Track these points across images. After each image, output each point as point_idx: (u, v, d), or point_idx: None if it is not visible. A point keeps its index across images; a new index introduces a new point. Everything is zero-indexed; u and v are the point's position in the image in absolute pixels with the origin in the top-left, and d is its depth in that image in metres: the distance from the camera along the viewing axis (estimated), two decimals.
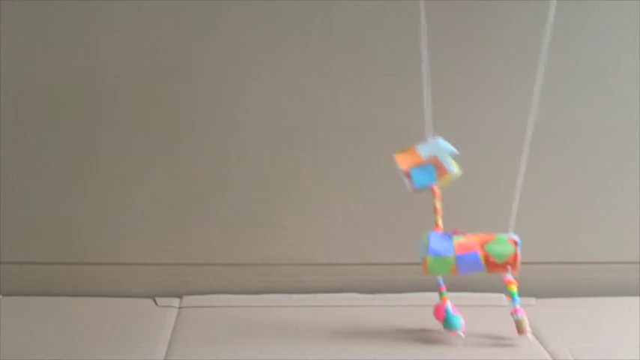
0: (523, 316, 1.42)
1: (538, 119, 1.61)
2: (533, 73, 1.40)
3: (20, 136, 1.58)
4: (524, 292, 1.61)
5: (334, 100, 1.57)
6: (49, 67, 1.56)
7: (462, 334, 1.42)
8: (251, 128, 1.59)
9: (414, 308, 1.52)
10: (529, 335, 1.41)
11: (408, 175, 1.40)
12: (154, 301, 1.58)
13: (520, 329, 1.41)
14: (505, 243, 1.42)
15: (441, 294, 1.43)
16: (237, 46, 1.56)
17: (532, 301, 1.60)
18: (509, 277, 1.43)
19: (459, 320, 1.42)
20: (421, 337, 1.43)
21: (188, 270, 1.59)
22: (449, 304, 1.42)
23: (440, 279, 1.42)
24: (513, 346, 1.40)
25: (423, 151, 1.41)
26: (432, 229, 1.41)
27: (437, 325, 1.47)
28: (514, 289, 1.43)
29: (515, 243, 1.42)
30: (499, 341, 1.42)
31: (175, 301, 1.59)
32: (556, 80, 1.61)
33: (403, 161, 1.41)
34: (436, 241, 1.40)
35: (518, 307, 1.42)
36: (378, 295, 1.58)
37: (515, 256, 1.42)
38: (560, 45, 1.60)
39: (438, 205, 1.42)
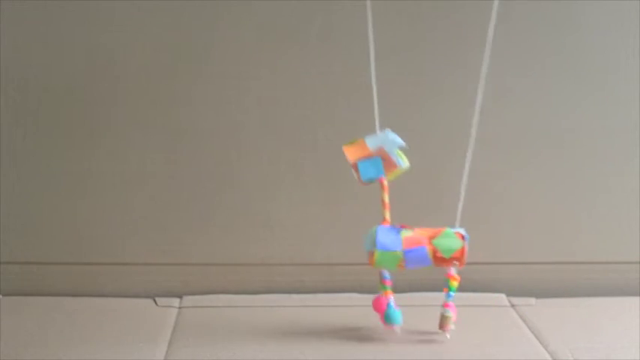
0: (451, 313, 1.42)
1: (537, 119, 1.62)
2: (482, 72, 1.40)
3: (20, 135, 1.58)
4: (524, 292, 1.61)
5: (334, 100, 1.57)
6: (49, 66, 1.56)
7: (398, 330, 1.42)
8: (251, 128, 1.59)
9: (414, 308, 1.52)
10: (448, 335, 1.42)
11: (355, 167, 1.39)
12: (154, 301, 1.58)
13: (442, 324, 1.42)
14: (453, 237, 1.41)
15: (384, 287, 1.42)
16: (236, 45, 1.56)
17: (532, 300, 1.60)
18: (453, 272, 1.43)
19: (399, 315, 1.41)
20: (421, 336, 1.43)
21: (188, 270, 1.59)
22: (391, 299, 1.42)
23: (386, 273, 1.41)
24: (513, 345, 1.41)
25: (371, 143, 1.40)
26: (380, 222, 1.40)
27: (435, 323, 1.48)
28: (455, 284, 1.43)
29: (463, 237, 1.41)
30: (499, 341, 1.42)
31: (175, 301, 1.59)
32: (556, 80, 1.61)
33: (351, 153, 1.39)
34: (384, 235, 1.38)
35: (450, 302, 1.42)
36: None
37: (463, 250, 1.40)
38: (560, 45, 1.60)
39: (386, 198, 1.40)
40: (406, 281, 1.56)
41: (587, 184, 1.64)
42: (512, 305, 1.58)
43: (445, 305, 1.43)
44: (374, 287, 1.47)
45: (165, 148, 1.59)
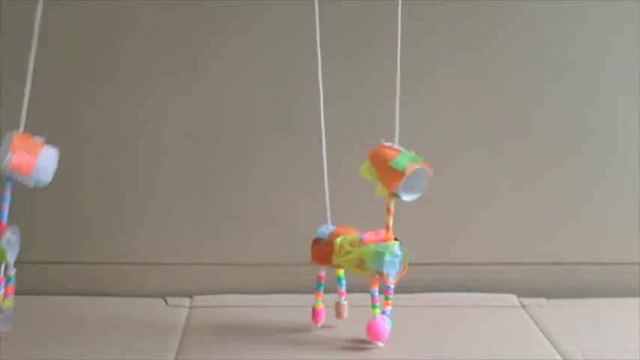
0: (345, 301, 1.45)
1: (545, 120, 1.62)
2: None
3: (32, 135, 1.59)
4: (534, 293, 1.61)
5: (347, 102, 1.58)
6: (49, 63, 1.57)
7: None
8: (262, 129, 1.59)
9: (421, 309, 1.52)
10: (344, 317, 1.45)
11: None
12: (165, 300, 1.58)
13: (339, 312, 1.45)
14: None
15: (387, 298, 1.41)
16: (242, 45, 1.57)
17: (542, 301, 1.60)
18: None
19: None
20: (428, 336, 1.43)
21: (199, 270, 1.60)
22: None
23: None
24: (524, 346, 1.40)
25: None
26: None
27: (445, 324, 1.48)
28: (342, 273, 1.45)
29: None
30: (510, 341, 1.42)
31: (186, 301, 1.59)
32: (558, 80, 1.61)
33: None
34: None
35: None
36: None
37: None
38: (562, 45, 1.60)
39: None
40: (415, 282, 1.57)
41: (598, 184, 1.64)
42: (523, 306, 1.58)
43: (340, 294, 1.46)
44: (382, 288, 1.48)
45: (175, 148, 1.59)
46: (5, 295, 1.41)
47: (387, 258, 1.34)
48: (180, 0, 1.56)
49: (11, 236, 1.39)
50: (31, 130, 1.37)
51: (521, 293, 1.62)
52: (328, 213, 1.43)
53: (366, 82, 1.59)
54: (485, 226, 1.64)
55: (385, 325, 1.38)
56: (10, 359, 1.34)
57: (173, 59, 1.58)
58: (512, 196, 1.64)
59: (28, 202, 1.60)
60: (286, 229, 1.61)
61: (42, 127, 1.58)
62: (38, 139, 1.38)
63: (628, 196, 1.63)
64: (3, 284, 1.40)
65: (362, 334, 1.42)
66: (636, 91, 1.61)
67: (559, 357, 1.37)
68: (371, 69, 1.58)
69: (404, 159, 1.35)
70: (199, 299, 1.58)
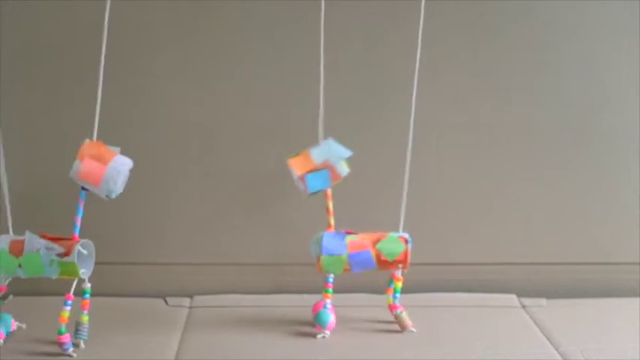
0: (403, 311, 1.45)
1: (546, 120, 1.62)
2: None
3: (30, 135, 1.59)
4: (534, 293, 1.61)
5: (345, 101, 1.58)
6: (52, 63, 1.57)
7: (327, 333, 1.43)
8: (262, 129, 1.59)
9: (423, 309, 1.52)
10: (413, 329, 1.44)
11: (302, 180, 1.41)
12: (165, 300, 1.58)
13: (402, 325, 1.45)
14: (396, 241, 1.44)
15: (326, 291, 1.44)
16: (242, 48, 1.57)
17: (543, 301, 1.60)
18: (397, 274, 1.46)
19: (329, 319, 1.43)
20: (429, 336, 1.43)
21: (199, 270, 1.60)
22: (328, 302, 1.43)
23: (331, 277, 1.43)
24: (524, 346, 1.40)
25: (317, 156, 1.41)
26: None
27: (445, 324, 1.48)
28: (400, 285, 1.47)
29: (406, 241, 1.43)
30: (510, 342, 1.42)
31: (186, 301, 1.59)
32: (556, 80, 1.61)
33: (297, 167, 1.41)
34: (329, 240, 1.42)
35: (397, 304, 1.46)
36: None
37: (406, 253, 1.43)
38: (564, 45, 1.60)
39: (330, 205, 1.43)
40: (415, 282, 1.57)
41: (599, 184, 1.64)
42: (523, 306, 1.58)
43: (394, 307, 1.46)
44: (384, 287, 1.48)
45: (176, 148, 1.59)
46: (81, 309, 1.39)
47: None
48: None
49: (82, 250, 1.36)
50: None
51: (521, 293, 1.62)
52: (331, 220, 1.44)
53: (367, 82, 1.59)
54: (485, 226, 1.64)
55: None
56: (10, 359, 1.34)
57: (174, 59, 1.58)
58: (513, 196, 1.64)
59: (27, 201, 1.60)
60: (286, 229, 1.61)
61: (44, 126, 1.59)
62: (113, 148, 1.36)
63: (628, 197, 1.63)
64: (70, 301, 1.37)
65: (362, 335, 1.42)
66: (637, 92, 1.61)
67: (559, 357, 1.37)
68: (371, 69, 1.58)
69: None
70: (199, 299, 1.58)
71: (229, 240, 1.58)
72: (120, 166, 1.34)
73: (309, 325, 1.46)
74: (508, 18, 1.59)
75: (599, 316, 1.54)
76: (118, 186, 1.35)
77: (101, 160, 1.34)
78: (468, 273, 1.63)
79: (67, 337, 1.37)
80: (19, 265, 1.37)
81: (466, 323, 1.49)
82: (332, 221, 1.43)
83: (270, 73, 1.58)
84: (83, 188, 1.36)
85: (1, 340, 1.38)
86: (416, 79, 1.43)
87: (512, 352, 1.37)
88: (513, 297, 1.61)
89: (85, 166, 1.33)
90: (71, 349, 1.37)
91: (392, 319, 1.46)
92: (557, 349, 1.39)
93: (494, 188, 1.63)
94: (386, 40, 1.57)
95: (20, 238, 1.38)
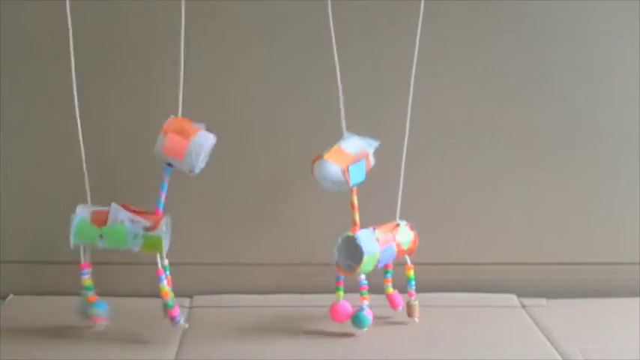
0: (416, 299, 1.47)
1: (545, 120, 1.62)
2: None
3: (33, 135, 1.59)
4: (534, 293, 1.61)
5: (348, 103, 1.58)
6: (51, 64, 1.57)
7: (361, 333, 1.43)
8: (262, 128, 1.59)
9: (424, 309, 1.52)
10: (416, 319, 1.46)
11: (347, 172, 1.36)
12: None
13: (411, 312, 1.47)
14: (406, 230, 1.46)
15: (339, 290, 1.43)
16: (242, 47, 1.56)
17: (543, 301, 1.60)
18: (408, 261, 1.47)
19: (368, 320, 1.42)
20: (430, 336, 1.43)
21: (199, 270, 1.60)
22: (366, 303, 1.42)
23: (364, 278, 1.42)
24: (524, 346, 1.40)
25: (351, 148, 1.38)
26: (351, 227, 1.40)
27: (445, 324, 1.48)
28: (412, 273, 1.47)
29: (412, 228, 1.46)
30: (509, 342, 1.42)
31: (186, 301, 1.59)
32: (556, 80, 1.61)
33: (338, 160, 1.36)
34: (365, 239, 1.39)
35: (413, 291, 1.47)
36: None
37: (415, 241, 1.46)
38: (564, 44, 1.60)
39: (355, 201, 1.40)
40: (415, 282, 1.57)
41: (599, 184, 1.64)
42: (523, 306, 1.58)
43: (410, 294, 1.47)
44: (405, 277, 1.48)
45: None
46: (167, 285, 1.40)
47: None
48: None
49: (166, 224, 1.38)
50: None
51: (521, 293, 1.62)
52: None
53: (366, 82, 1.59)
54: (485, 226, 1.64)
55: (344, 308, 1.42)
56: (10, 359, 1.34)
57: (173, 59, 1.58)
58: (513, 196, 1.64)
59: (27, 202, 1.61)
60: (287, 229, 1.61)
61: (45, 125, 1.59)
62: (197, 125, 1.38)
63: (628, 196, 1.64)
64: (163, 275, 1.39)
65: (361, 335, 1.42)
66: (637, 92, 1.61)
67: (559, 357, 1.37)
68: (370, 70, 1.58)
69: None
70: (199, 299, 1.58)
71: (229, 240, 1.58)
72: (203, 141, 1.37)
73: (309, 326, 1.46)
74: (508, 18, 1.59)
75: (599, 316, 1.54)
76: (200, 161, 1.37)
77: (184, 134, 1.36)
78: (468, 273, 1.63)
79: (176, 310, 1.38)
80: (100, 236, 1.38)
81: (466, 323, 1.49)
82: (357, 218, 1.40)
83: (274, 72, 1.58)
84: (168, 164, 1.38)
85: (103, 322, 1.41)
86: (412, 78, 1.43)
87: (512, 352, 1.37)
88: (513, 297, 1.61)
89: (168, 140, 1.36)
90: (182, 321, 1.39)
91: (391, 317, 1.47)
92: (557, 349, 1.39)
93: (494, 188, 1.63)
94: (385, 40, 1.57)
95: (102, 208, 1.38)
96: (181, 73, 1.39)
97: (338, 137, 1.42)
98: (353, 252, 1.38)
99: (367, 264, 1.39)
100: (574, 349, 1.39)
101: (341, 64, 1.54)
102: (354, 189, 1.40)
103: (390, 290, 1.49)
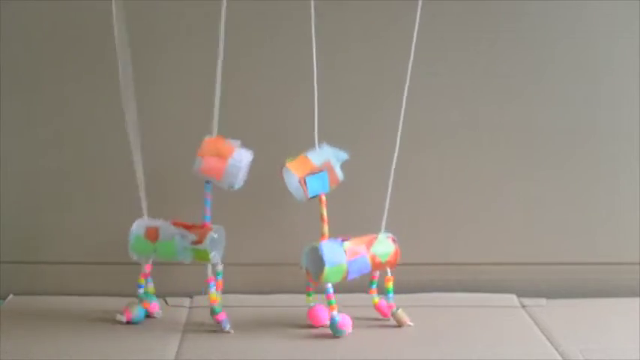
0: (397, 308, 1.46)
1: (545, 121, 1.62)
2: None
3: (33, 135, 1.59)
4: (534, 293, 1.61)
5: (340, 102, 1.58)
6: (51, 64, 1.57)
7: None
8: (258, 129, 1.59)
9: (423, 309, 1.52)
10: (410, 323, 1.46)
11: (303, 182, 1.39)
12: (165, 300, 1.58)
13: (400, 321, 1.46)
14: (386, 242, 1.46)
15: (330, 302, 1.41)
16: (239, 47, 1.56)
17: (543, 301, 1.60)
18: (389, 274, 1.47)
19: (344, 332, 1.42)
20: (430, 336, 1.43)
21: (200, 270, 1.59)
22: (335, 313, 1.41)
23: (331, 287, 1.41)
24: (524, 346, 1.40)
25: (315, 158, 1.40)
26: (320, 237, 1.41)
27: (445, 324, 1.48)
28: (391, 285, 1.48)
29: (394, 240, 1.46)
30: (510, 342, 1.42)
31: (186, 301, 1.59)
32: (556, 80, 1.61)
33: (297, 169, 1.39)
34: (329, 250, 1.40)
35: (391, 302, 1.47)
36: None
37: (396, 253, 1.46)
38: (564, 44, 1.60)
39: (324, 213, 1.42)
40: (415, 282, 1.57)
41: (599, 184, 1.64)
42: (523, 306, 1.58)
43: (389, 306, 1.47)
44: (384, 288, 1.48)
45: (177, 149, 1.59)
46: (217, 290, 1.45)
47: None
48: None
49: (214, 235, 1.42)
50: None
51: (521, 293, 1.62)
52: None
53: (364, 82, 1.59)
54: (485, 226, 1.64)
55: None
56: (10, 359, 1.34)
57: (176, 60, 1.58)
58: (513, 196, 1.64)
59: (28, 203, 1.60)
60: (286, 230, 1.61)
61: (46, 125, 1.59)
62: (232, 142, 1.41)
63: (628, 196, 1.64)
64: (213, 282, 1.44)
65: (361, 335, 1.42)
66: (637, 92, 1.61)
67: (559, 357, 1.37)
68: (370, 70, 1.58)
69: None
70: (199, 299, 1.58)
71: (229, 240, 1.57)
72: (238, 162, 1.40)
73: (309, 326, 1.46)
74: (508, 18, 1.59)
75: (599, 316, 1.54)
76: (239, 179, 1.41)
77: (221, 155, 1.40)
78: (468, 273, 1.63)
79: (222, 315, 1.43)
80: (154, 250, 1.45)
81: (466, 323, 1.49)
82: (326, 230, 1.42)
83: (267, 75, 1.58)
84: (207, 181, 1.43)
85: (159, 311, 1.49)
86: (408, 78, 1.43)
87: (512, 352, 1.37)
88: (513, 297, 1.61)
89: (206, 163, 1.40)
90: (229, 327, 1.43)
91: (391, 317, 1.47)
92: (556, 349, 1.39)
93: (493, 188, 1.63)
94: (384, 40, 1.57)
95: (154, 224, 1.46)
96: (217, 92, 1.43)
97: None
98: (318, 262, 1.40)
99: (332, 274, 1.39)
100: (574, 349, 1.39)
101: (341, 64, 1.55)
102: (323, 200, 1.41)
103: (376, 300, 1.49)
